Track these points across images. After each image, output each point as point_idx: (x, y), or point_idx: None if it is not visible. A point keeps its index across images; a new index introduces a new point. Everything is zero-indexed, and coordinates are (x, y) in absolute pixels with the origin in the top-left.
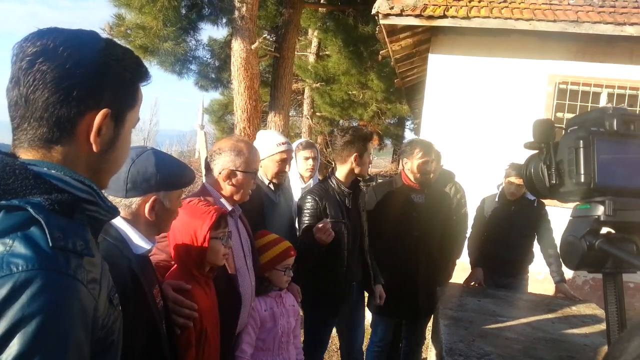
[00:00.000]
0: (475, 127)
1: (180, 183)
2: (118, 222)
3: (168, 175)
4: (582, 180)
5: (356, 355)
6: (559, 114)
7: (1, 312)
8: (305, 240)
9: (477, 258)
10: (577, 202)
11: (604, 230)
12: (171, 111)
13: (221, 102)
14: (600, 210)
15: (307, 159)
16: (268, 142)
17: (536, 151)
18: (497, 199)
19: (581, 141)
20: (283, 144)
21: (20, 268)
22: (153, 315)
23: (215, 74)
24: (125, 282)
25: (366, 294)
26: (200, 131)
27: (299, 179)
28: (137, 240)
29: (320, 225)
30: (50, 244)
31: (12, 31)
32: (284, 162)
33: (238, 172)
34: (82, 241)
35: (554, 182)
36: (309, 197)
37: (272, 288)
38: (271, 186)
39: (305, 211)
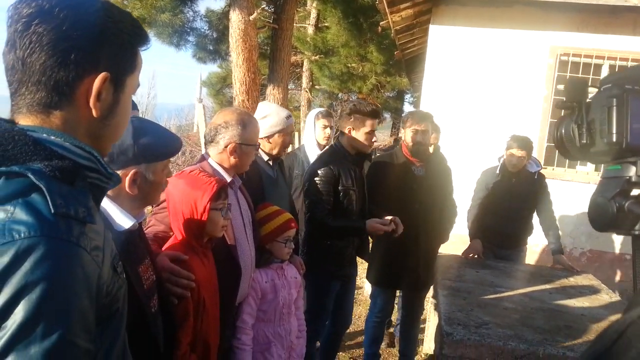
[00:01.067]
0: (476, 99)
1: (163, 154)
2: None
3: (148, 146)
4: (614, 139)
5: (346, 319)
6: (560, 87)
7: (5, 280)
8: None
9: (476, 230)
10: (609, 163)
11: (635, 192)
12: (169, 84)
13: (219, 75)
14: (632, 171)
15: (325, 127)
16: (276, 117)
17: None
18: (498, 171)
19: (614, 99)
20: (289, 117)
21: (22, 235)
22: (136, 294)
23: (213, 45)
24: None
25: (365, 266)
26: (199, 104)
27: (316, 145)
28: (119, 217)
29: (389, 220)
30: (52, 211)
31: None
32: (288, 135)
33: (244, 146)
34: (84, 208)
35: (585, 141)
36: (322, 166)
37: (274, 260)
38: (270, 162)
39: (319, 178)
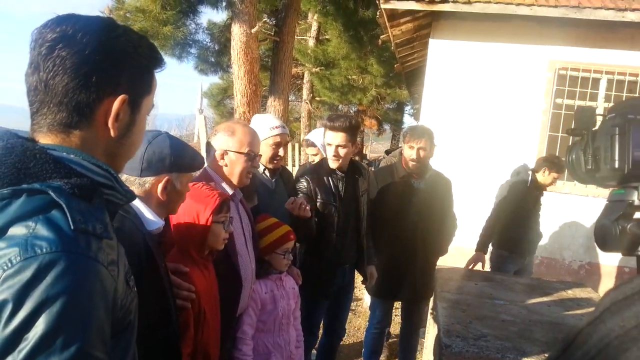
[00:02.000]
0: (475, 112)
1: (192, 166)
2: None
3: (181, 158)
4: (617, 166)
5: (340, 331)
6: (558, 100)
7: (27, 293)
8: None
9: (487, 242)
10: (614, 187)
11: (638, 214)
12: (170, 95)
13: (220, 86)
14: (634, 195)
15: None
16: (261, 126)
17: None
18: (529, 185)
19: (617, 128)
20: (276, 127)
21: (44, 250)
22: (164, 288)
23: (214, 57)
24: (141, 253)
25: (361, 277)
26: (200, 115)
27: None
28: (150, 216)
29: (290, 200)
30: (72, 227)
31: (9, 13)
32: (278, 146)
33: (230, 152)
34: (101, 224)
35: (590, 167)
36: (302, 178)
37: (272, 271)
38: (266, 173)
39: (299, 192)
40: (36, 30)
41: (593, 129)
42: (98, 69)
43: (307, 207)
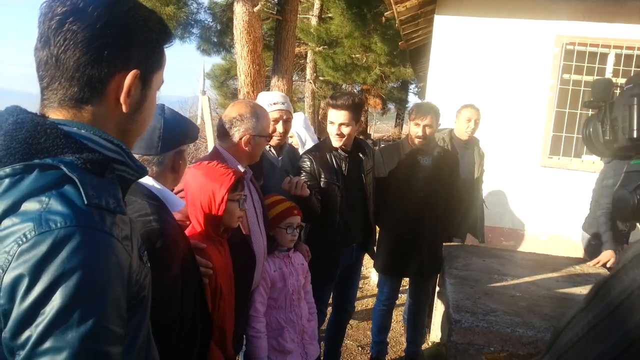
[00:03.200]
0: (481, 89)
1: (194, 136)
2: (150, 183)
3: (188, 129)
4: (635, 135)
5: (348, 308)
6: (566, 76)
7: (43, 267)
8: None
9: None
10: (631, 158)
11: None
12: (172, 77)
13: (223, 67)
14: None
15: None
16: (262, 103)
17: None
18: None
19: (635, 98)
20: (275, 103)
21: (59, 224)
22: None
23: (217, 37)
24: (183, 238)
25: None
26: (203, 97)
27: None
28: (172, 198)
29: (285, 180)
30: (85, 202)
31: None
32: (276, 122)
33: (257, 137)
34: (114, 199)
35: (608, 137)
36: (305, 157)
37: (279, 248)
38: (272, 150)
39: (303, 171)
40: (45, 4)
41: (610, 100)
42: (110, 43)
43: (305, 186)
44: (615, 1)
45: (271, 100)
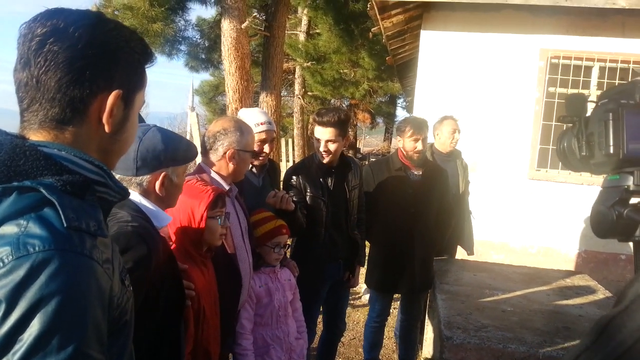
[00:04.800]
0: (468, 102)
1: (186, 157)
2: (136, 198)
3: (175, 151)
4: (611, 151)
5: (340, 325)
6: (551, 89)
7: (20, 293)
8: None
9: None
10: (608, 173)
11: (634, 200)
12: (161, 93)
13: (211, 83)
14: (629, 180)
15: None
16: (247, 122)
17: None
18: None
19: (610, 114)
20: (262, 124)
21: (37, 248)
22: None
23: (205, 54)
24: (164, 254)
25: (362, 271)
26: (192, 113)
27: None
28: (156, 212)
29: (270, 194)
30: (65, 225)
31: None
32: (263, 142)
33: (241, 152)
34: (95, 222)
35: (585, 153)
36: (291, 172)
37: (265, 264)
38: (254, 170)
39: (288, 186)
40: (25, 25)
41: (585, 115)
42: (91, 63)
43: (289, 200)
44: (598, 15)
45: (257, 120)
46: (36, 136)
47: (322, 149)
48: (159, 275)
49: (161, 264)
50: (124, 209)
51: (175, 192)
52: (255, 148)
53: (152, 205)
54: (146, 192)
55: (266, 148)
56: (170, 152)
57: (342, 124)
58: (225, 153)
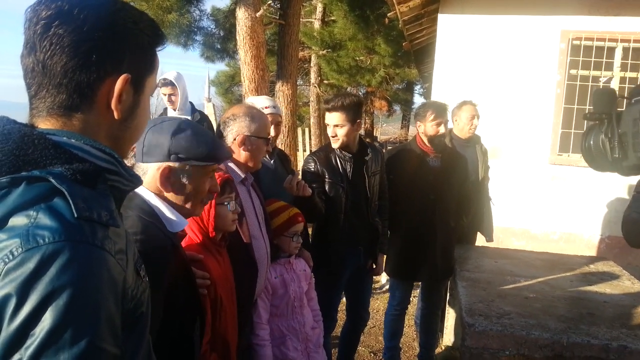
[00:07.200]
0: (488, 87)
1: (199, 157)
2: (150, 198)
3: (184, 145)
4: None
5: (363, 315)
6: (573, 71)
7: (31, 286)
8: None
9: None
10: None
11: None
12: None
13: (227, 74)
14: None
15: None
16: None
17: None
18: None
19: None
20: (266, 107)
21: (46, 240)
22: (198, 295)
23: (220, 44)
24: (171, 262)
25: (384, 258)
26: (208, 104)
27: None
28: (171, 216)
29: (287, 179)
30: (75, 215)
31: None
32: (272, 125)
33: (252, 138)
34: (107, 211)
35: (617, 155)
36: (309, 158)
37: (281, 255)
38: (265, 154)
39: (307, 173)
40: (29, 8)
41: (616, 112)
42: (98, 46)
43: (306, 185)
44: None
45: (261, 104)
46: (44, 124)
47: (331, 134)
48: (172, 287)
49: (174, 274)
50: (134, 211)
51: (191, 197)
52: None
53: (167, 207)
54: (158, 191)
55: (271, 131)
56: (176, 145)
57: (349, 108)
58: (235, 139)
